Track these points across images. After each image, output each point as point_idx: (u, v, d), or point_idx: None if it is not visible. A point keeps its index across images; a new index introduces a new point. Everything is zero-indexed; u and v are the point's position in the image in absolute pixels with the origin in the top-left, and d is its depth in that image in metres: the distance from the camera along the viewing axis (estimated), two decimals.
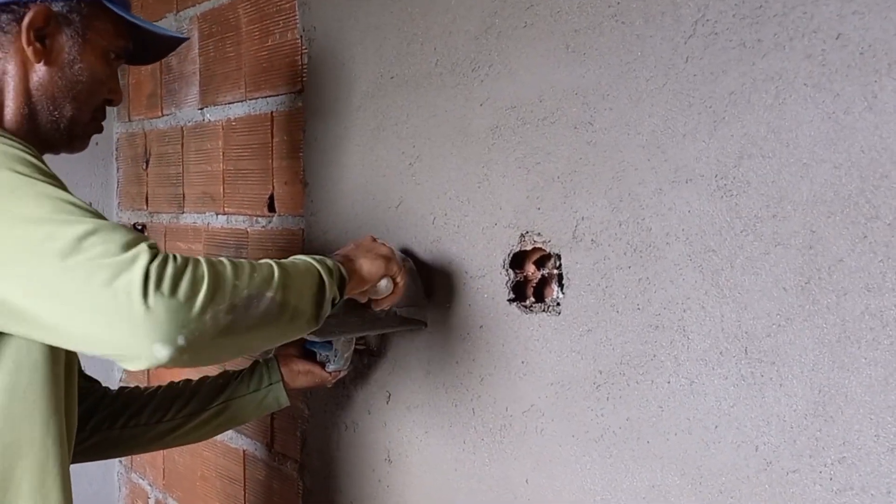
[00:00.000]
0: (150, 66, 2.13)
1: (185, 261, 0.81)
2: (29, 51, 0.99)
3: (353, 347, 1.26)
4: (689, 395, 0.89)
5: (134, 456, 2.19)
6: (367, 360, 1.35)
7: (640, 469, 0.94)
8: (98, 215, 0.85)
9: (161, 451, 2.02)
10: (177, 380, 1.32)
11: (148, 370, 0.80)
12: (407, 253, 1.24)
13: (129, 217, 2.25)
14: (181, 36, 1.19)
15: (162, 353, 0.77)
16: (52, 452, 0.93)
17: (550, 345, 1.04)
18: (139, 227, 2.21)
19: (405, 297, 1.16)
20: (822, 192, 0.78)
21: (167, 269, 0.78)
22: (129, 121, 2.25)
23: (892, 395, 0.73)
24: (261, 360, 1.29)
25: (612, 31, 0.96)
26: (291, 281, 0.90)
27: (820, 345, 0.78)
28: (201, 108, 1.88)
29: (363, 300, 1.10)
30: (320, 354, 1.27)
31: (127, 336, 0.76)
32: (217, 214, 1.82)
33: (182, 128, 1.97)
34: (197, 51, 1.90)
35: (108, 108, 1.12)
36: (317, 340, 1.25)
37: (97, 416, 1.21)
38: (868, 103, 0.74)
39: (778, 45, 0.81)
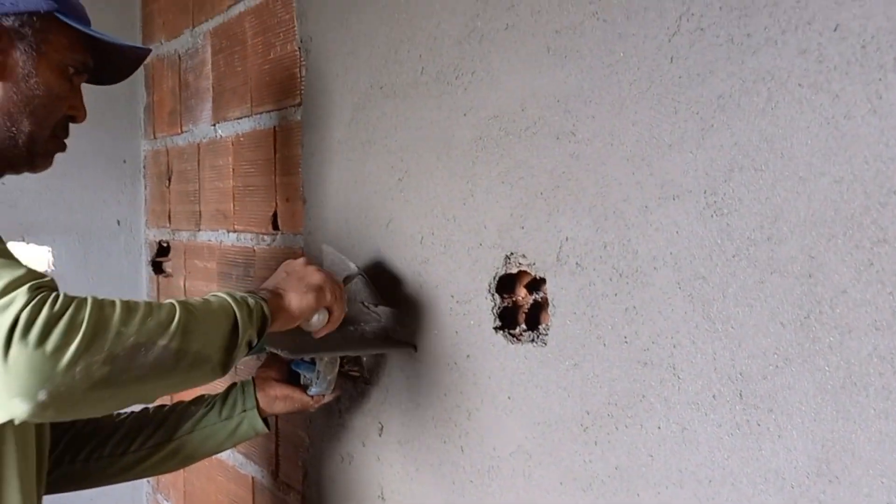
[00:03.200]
0: (170, 83, 2.11)
1: (67, 305, 0.75)
2: None
3: (336, 370, 1.18)
4: (681, 443, 0.78)
5: (159, 477, 2.17)
6: (360, 388, 1.27)
7: None
8: None
9: (181, 474, 1.99)
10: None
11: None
12: (385, 269, 1.16)
13: (155, 235, 2.24)
14: (142, 47, 1.13)
15: (21, 408, 0.71)
16: None
17: (536, 379, 0.94)
18: (164, 245, 2.19)
19: (364, 300, 1.08)
20: (822, 210, 0.66)
21: (40, 315, 0.72)
22: (154, 138, 2.23)
23: None
24: (237, 384, 1.22)
25: (593, 31, 0.86)
26: (196, 325, 0.83)
27: (822, 391, 0.66)
28: (214, 125, 1.84)
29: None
30: (304, 377, 1.19)
31: None
32: (228, 232, 1.77)
33: (198, 144, 1.94)
34: (210, 66, 1.86)
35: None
36: (301, 360, 1.18)
37: (59, 447, 1.15)
38: (872, 105, 0.62)
39: (769, 39, 0.69)
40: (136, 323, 0.78)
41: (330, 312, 1.00)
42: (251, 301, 0.90)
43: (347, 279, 1.13)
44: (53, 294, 0.75)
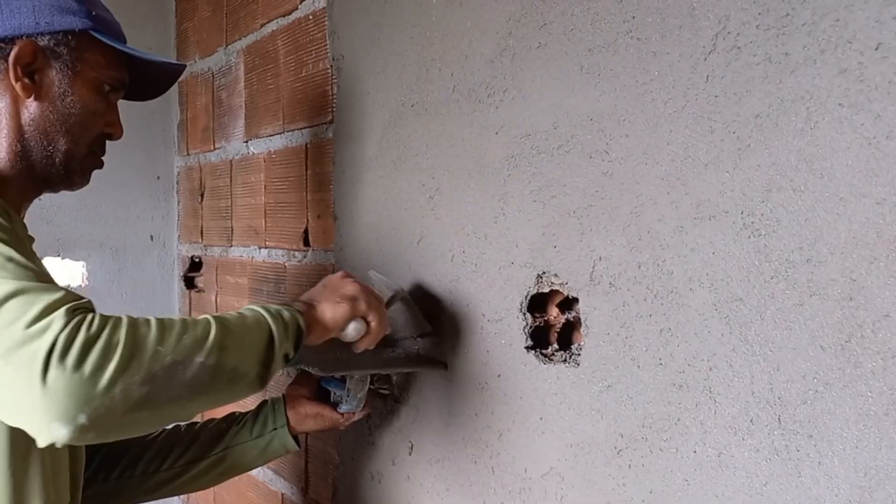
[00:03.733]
0: (203, 100, 2.14)
1: (103, 326, 0.74)
2: (17, 86, 0.96)
3: (366, 387, 1.17)
4: (717, 469, 0.76)
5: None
6: (390, 406, 1.27)
7: None
8: (35, 274, 0.78)
9: (211, 489, 1.99)
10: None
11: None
12: (419, 288, 1.15)
13: (188, 250, 2.26)
14: (177, 62, 1.14)
15: (60, 432, 0.71)
16: None
17: (569, 400, 0.93)
18: (196, 261, 2.21)
19: (403, 330, 1.06)
20: (863, 232, 0.64)
21: (77, 337, 0.71)
22: (188, 154, 2.26)
23: None
24: (268, 401, 1.22)
25: (627, 49, 0.85)
26: (232, 340, 0.82)
27: (864, 417, 0.64)
28: (246, 141, 1.86)
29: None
30: (334, 394, 1.19)
31: (26, 412, 0.71)
32: (259, 248, 1.78)
33: (231, 161, 1.96)
34: (242, 84, 1.89)
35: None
36: (331, 378, 1.18)
37: (91, 466, 1.15)
38: None
39: (808, 59, 0.68)
40: (173, 341, 0.77)
41: (367, 323, 0.99)
42: (286, 314, 0.89)
43: (390, 301, 1.12)
44: (90, 316, 0.74)
